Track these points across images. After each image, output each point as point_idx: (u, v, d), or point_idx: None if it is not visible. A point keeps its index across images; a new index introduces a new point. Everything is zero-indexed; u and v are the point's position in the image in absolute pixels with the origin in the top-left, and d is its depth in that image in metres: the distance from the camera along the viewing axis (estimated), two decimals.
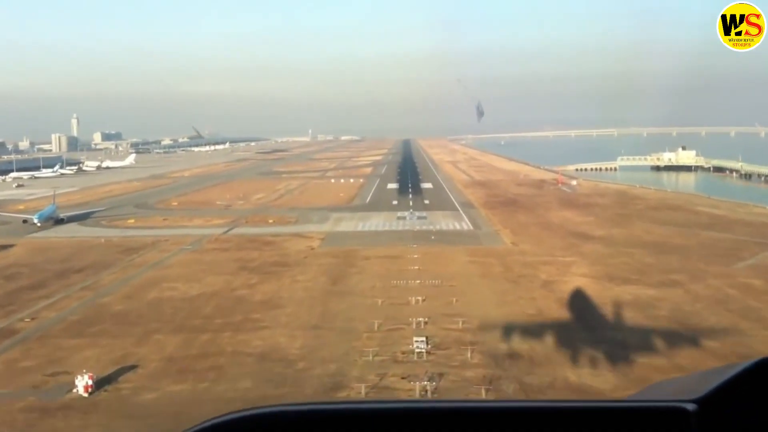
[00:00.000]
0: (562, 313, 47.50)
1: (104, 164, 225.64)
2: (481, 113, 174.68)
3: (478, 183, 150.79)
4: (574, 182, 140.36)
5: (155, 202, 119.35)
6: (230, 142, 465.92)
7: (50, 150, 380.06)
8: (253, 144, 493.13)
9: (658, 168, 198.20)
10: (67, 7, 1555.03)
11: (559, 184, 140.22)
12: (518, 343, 40.58)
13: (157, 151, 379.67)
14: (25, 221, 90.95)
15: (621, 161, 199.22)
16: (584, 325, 44.92)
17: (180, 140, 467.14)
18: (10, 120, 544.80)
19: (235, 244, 76.57)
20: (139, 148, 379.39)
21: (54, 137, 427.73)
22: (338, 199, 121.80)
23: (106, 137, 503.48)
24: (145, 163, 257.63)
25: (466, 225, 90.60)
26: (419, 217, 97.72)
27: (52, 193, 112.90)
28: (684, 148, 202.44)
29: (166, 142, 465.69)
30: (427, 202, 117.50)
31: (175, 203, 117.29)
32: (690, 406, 2.54)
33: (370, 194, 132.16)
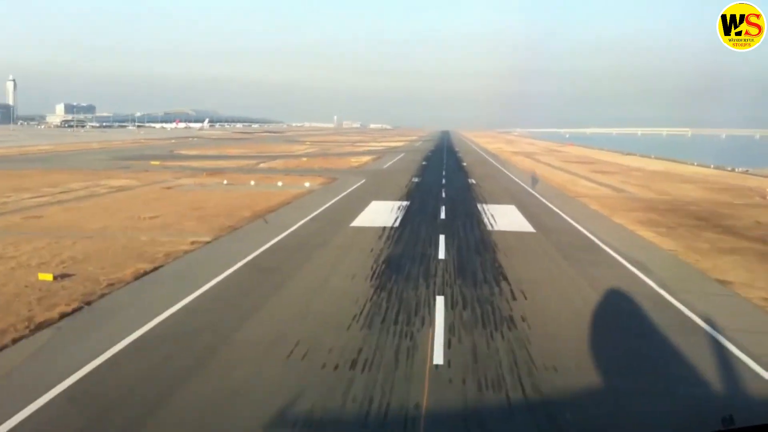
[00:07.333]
0: None
1: None
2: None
3: (707, 216, 43.62)
4: None
5: None
6: (225, 122, 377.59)
7: None
8: (255, 126, 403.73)
9: None
10: None
11: None
12: None
13: (92, 124, 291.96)
14: None
15: None
16: None
17: (154, 114, 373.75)
18: None
19: None
20: (72, 123, 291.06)
21: None
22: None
23: (71, 109, 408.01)
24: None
25: None
26: None
27: None
28: None
29: (138, 115, 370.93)
30: None
31: None
32: None
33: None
